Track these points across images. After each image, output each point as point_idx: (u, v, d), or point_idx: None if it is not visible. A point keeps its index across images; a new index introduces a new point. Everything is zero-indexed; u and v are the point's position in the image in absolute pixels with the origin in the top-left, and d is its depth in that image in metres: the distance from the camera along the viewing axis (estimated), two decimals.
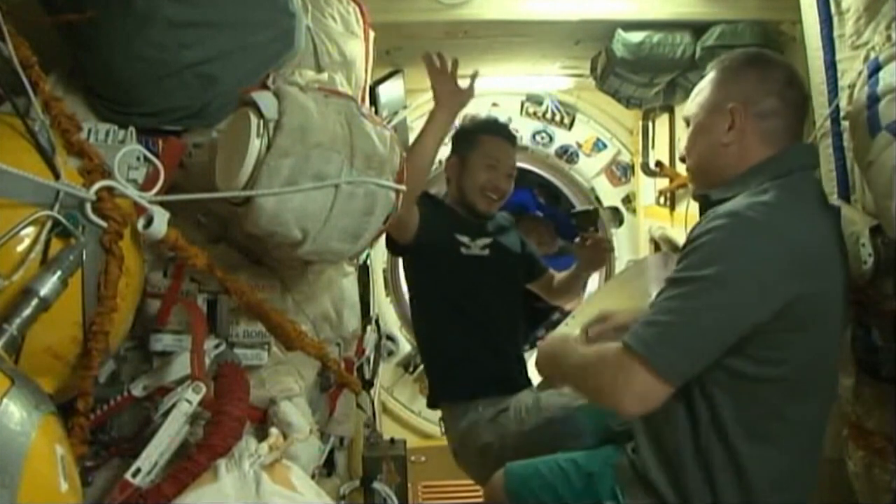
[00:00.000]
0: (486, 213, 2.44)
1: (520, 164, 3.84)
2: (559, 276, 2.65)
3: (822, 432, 1.58)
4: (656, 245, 3.58)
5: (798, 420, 1.49)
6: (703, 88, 1.59)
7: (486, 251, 2.37)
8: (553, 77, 3.29)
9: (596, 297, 3.72)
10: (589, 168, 3.73)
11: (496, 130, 2.51)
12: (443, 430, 2.38)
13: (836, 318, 1.47)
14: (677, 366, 1.33)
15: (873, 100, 1.62)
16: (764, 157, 1.47)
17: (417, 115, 3.43)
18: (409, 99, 3.12)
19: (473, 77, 2.21)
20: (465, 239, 2.34)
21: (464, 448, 2.27)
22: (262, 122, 1.45)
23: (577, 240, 2.46)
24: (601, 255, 2.45)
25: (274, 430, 1.48)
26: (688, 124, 1.62)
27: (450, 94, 2.15)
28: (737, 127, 1.47)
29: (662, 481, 1.53)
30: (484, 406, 2.22)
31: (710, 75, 1.58)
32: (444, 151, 2.53)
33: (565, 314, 3.87)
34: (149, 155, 1.46)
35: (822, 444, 1.59)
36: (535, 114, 3.64)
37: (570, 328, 3.51)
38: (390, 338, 3.52)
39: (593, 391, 1.47)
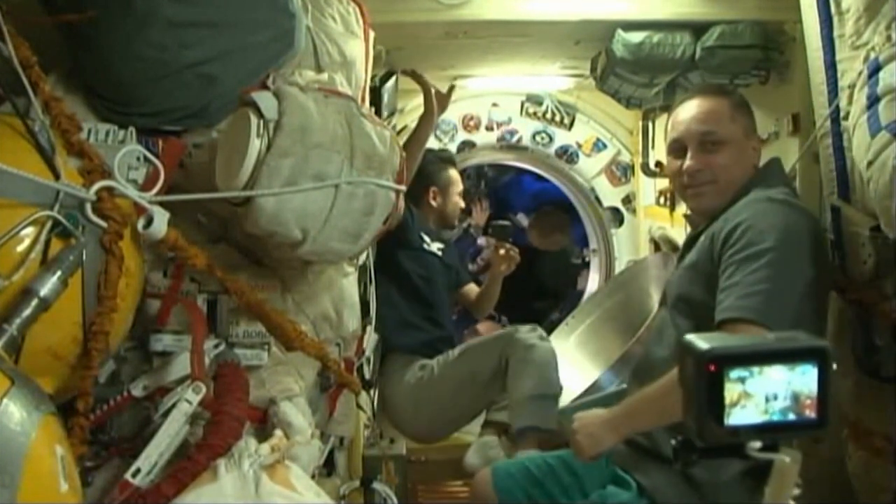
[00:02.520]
0: (454, 225, 3.36)
1: (520, 165, 3.87)
2: (478, 289, 3.29)
3: None
4: (656, 245, 3.58)
5: None
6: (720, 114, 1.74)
7: (439, 252, 3.07)
8: (553, 77, 3.28)
9: (596, 296, 3.73)
10: (589, 168, 3.72)
11: (454, 163, 3.27)
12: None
13: (829, 289, 1.69)
14: (786, 325, 1.39)
15: (873, 100, 1.62)
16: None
17: (417, 115, 3.41)
18: (405, 100, 3.12)
19: (451, 89, 2.82)
20: (427, 238, 3.04)
21: (393, 393, 2.82)
22: (262, 122, 1.45)
23: (493, 248, 3.12)
24: (511, 263, 3.04)
25: (278, 432, 1.48)
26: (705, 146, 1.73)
27: (442, 99, 2.75)
28: (756, 150, 1.77)
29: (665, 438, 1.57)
30: (421, 365, 2.82)
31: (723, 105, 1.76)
32: None
33: (564, 314, 3.89)
34: (149, 155, 1.47)
35: None
36: (535, 114, 3.62)
37: (570, 327, 3.54)
38: None
39: None
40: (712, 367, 0.89)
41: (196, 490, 1.28)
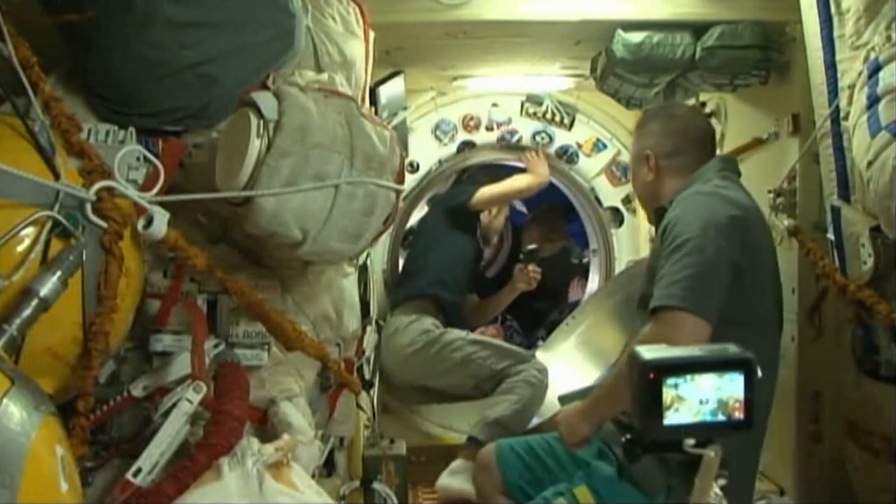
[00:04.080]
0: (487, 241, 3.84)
1: (520, 165, 3.86)
2: (477, 299, 3.65)
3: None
4: None
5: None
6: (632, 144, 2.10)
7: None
8: (553, 77, 3.27)
9: (597, 296, 3.73)
10: (589, 168, 3.70)
11: None
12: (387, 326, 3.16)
13: (773, 274, 1.82)
14: (709, 305, 1.60)
15: (873, 100, 1.63)
16: (681, 182, 1.86)
17: (417, 115, 3.42)
18: (409, 99, 3.12)
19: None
20: None
21: (397, 334, 3.07)
22: (262, 122, 1.45)
23: (519, 265, 3.52)
24: (532, 282, 3.48)
25: (286, 436, 1.49)
26: None
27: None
28: (652, 167, 1.92)
29: None
30: (433, 323, 3.09)
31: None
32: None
33: (564, 315, 3.89)
34: (149, 155, 1.47)
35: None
36: (535, 114, 3.61)
37: (570, 327, 3.54)
38: None
39: None
40: (651, 375, 1.04)
41: (201, 488, 1.28)
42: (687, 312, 1.58)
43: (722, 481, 1.07)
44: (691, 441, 1.06)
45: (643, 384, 1.05)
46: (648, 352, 1.07)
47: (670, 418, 1.04)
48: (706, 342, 1.57)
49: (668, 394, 1.04)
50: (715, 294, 1.62)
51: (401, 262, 3.64)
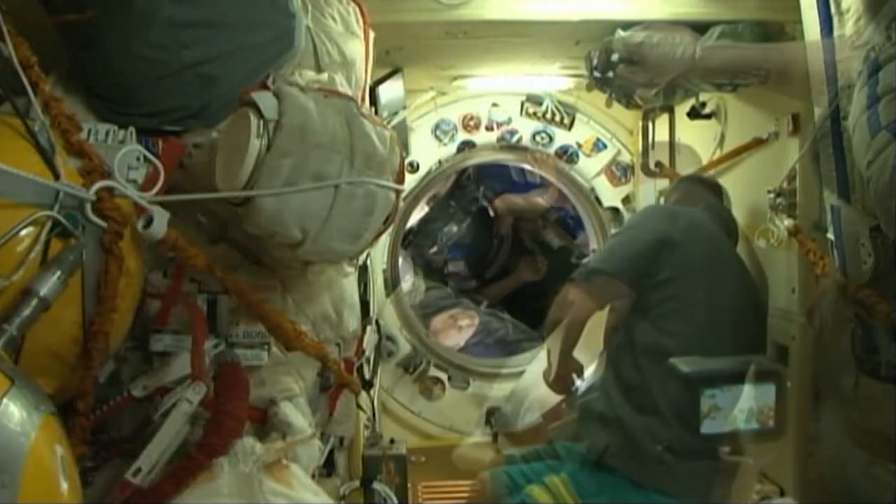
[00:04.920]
0: None
1: (520, 165, 3.87)
2: (484, 286, 4.02)
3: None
4: None
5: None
6: None
7: None
8: (553, 77, 3.27)
9: None
10: (589, 168, 3.71)
11: None
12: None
13: (718, 272, 2.10)
14: (620, 266, 2.05)
15: (873, 100, 1.63)
16: None
17: (417, 115, 3.42)
18: (409, 99, 3.11)
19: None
20: None
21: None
22: (262, 122, 1.45)
23: (527, 257, 3.92)
24: (539, 273, 3.93)
25: (288, 439, 1.49)
26: None
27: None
28: None
29: (621, 403, 2.00)
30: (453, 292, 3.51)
31: None
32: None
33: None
34: (149, 155, 1.47)
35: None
36: (535, 114, 3.61)
37: None
38: (390, 338, 3.52)
39: (569, 322, 2.16)
40: (691, 387, 1.10)
41: (198, 488, 1.28)
42: (593, 277, 2.06)
43: (758, 486, 1.15)
44: (726, 449, 1.13)
45: (682, 395, 1.09)
46: (686, 364, 1.12)
47: (707, 427, 1.10)
48: (613, 297, 2.00)
49: (705, 404, 1.10)
50: (626, 261, 2.05)
51: (401, 262, 3.65)
